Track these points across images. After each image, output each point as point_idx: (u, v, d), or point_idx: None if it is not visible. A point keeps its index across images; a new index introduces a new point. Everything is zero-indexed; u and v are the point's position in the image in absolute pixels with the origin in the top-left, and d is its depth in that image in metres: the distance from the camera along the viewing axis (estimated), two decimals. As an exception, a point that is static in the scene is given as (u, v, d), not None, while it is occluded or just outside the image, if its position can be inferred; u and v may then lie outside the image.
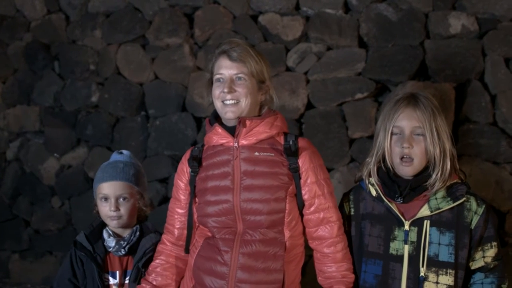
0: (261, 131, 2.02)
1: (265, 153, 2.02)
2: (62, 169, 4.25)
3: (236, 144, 2.02)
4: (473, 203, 2.02)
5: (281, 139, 2.06)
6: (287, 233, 2.02)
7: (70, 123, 4.21)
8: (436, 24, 3.44)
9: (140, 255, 2.23)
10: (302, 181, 2.03)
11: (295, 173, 2.01)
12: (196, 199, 2.09)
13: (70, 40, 4.25)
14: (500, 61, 3.34)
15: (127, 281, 2.25)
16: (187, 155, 2.15)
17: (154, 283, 2.16)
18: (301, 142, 2.06)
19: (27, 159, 4.33)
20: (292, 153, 2.00)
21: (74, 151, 4.23)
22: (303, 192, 2.03)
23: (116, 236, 2.28)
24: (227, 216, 2.00)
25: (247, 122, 2.01)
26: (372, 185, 2.09)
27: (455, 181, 2.05)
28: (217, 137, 2.06)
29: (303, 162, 2.03)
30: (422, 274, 1.98)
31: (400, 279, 2.00)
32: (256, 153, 2.01)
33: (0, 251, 4.39)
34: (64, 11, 4.27)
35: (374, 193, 2.08)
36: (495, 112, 3.33)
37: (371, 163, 2.09)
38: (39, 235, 4.31)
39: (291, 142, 2.02)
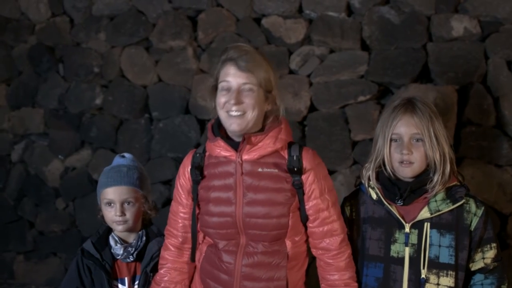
0: (265, 146, 1.95)
1: (268, 169, 1.96)
2: (67, 171, 4.26)
3: (239, 159, 1.96)
4: (472, 205, 2.04)
5: (285, 153, 1.98)
6: (289, 245, 2.00)
7: (74, 125, 4.23)
8: (439, 27, 3.44)
9: (148, 260, 2.22)
10: (306, 196, 1.98)
11: (299, 189, 1.97)
12: (198, 207, 2.06)
13: (74, 42, 4.26)
14: (503, 64, 3.34)
15: (136, 287, 2.25)
16: (188, 160, 2.09)
17: None
18: (306, 156, 1.98)
19: (32, 161, 4.35)
20: (296, 171, 1.95)
21: (78, 153, 4.25)
22: (307, 207, 1.99)
23: (123, 241, 2.27)
24: (230, 229, 1.97)
25: (252, 139, 1.93)
26: (373, 188, 2.10)
27: (454, 183, 2.06)
28: (220, 149, 1.99)
29: (307, 177, 1.97)
30: (423, 276, 1.99)
31: (401, 282, 2.01)
32: (260, 169, 1.95)
33: (5, 252, 4.41)
34: (68, 14, 4.29)
35: (374, 196, 2.09)
36: (498, 115, 3.33)
37: (370, 169, 2.10)
38: (44, 237, 4.33)
39: (295, 158, 1.96)
